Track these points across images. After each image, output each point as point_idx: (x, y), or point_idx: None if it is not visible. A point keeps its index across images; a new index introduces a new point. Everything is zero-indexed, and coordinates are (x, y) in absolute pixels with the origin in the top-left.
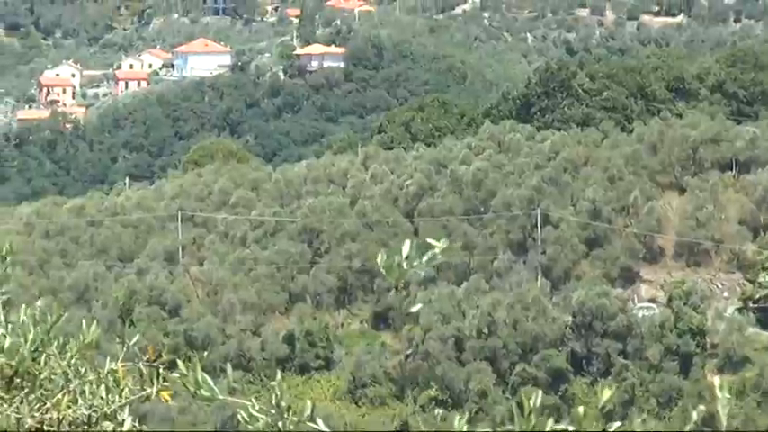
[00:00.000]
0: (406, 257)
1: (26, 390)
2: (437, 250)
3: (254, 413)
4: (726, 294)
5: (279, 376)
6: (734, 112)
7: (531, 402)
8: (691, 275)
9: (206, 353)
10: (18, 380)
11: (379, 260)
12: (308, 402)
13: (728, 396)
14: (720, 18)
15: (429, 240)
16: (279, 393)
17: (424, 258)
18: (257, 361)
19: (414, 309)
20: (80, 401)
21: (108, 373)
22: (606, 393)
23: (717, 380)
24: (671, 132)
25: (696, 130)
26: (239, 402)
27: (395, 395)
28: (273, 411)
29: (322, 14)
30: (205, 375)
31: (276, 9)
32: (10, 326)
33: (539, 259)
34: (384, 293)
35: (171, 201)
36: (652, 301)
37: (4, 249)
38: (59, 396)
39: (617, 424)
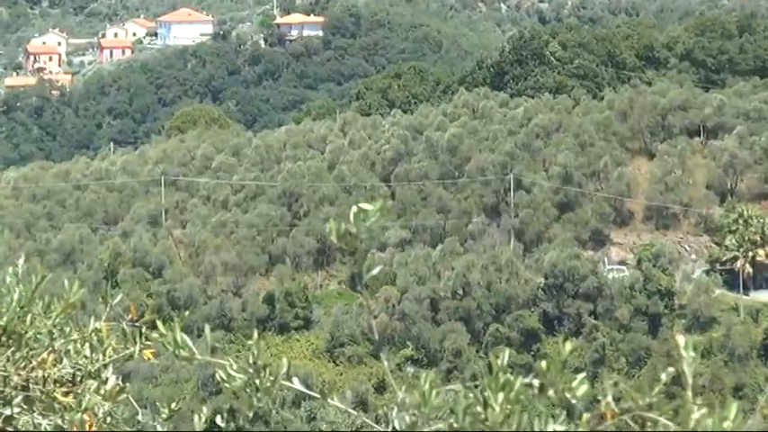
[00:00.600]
0: (355, 222)
1: (12, 348)
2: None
3: (232, 372)
4: (693, 257)
5: (255, 335)
6: (702, 80)
7: (500, 361)
8: (659, 238)
9: (188, 313)
10: (4, 339)
11: (328, 229)
12: (284, 361)
13: (693, 355)
14: None
15: (362, 205)
16: (256, 353)
17: (366, 222)
18: (238, 321)
19: (374, 271)
20: (65, 360)
21: (92, 332)
22: (567, 347)
23: (682, 339)
24: (640, 99)
25: (665, 97)
26: (218, 362)
27: (371, 354)
28: (251, 370)
29: None
30: (184, 336)
31: None
32: None
33: (511, 222)
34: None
35: (154, 165)
36: (622, 263)
37: None
38: (45, 355)
39: (581, 375)
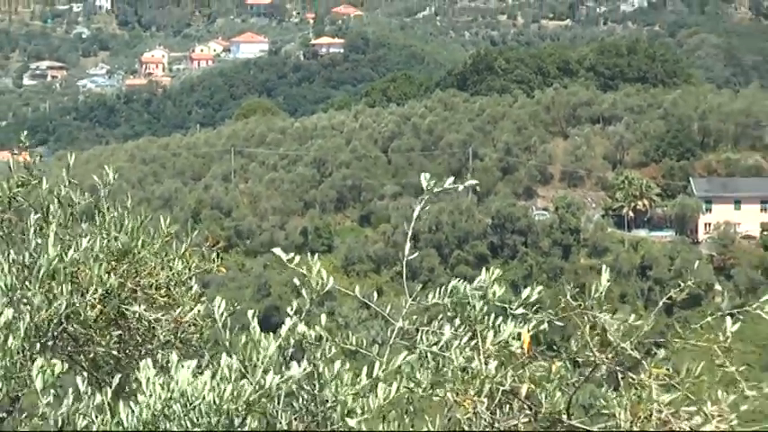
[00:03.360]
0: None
1: (127, 263)
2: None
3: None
4: (593, 206)
5: (297, 258)
6: (601, 85)
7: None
8: (570, 193)
9: (248, 241)
10: (121, 256)
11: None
12: (318, 269)
13: (606, 277)
14: (593, 22)
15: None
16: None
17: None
18: (283, 246)
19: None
20: (164, 272)
21: (182, 254)
22: (496, 272)
23: (604, 269)
24: (559, 98)
25: (576, 96)
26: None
27: (373, 270)
28: (296, 280)
29: (329, 18)
30: (245, 258)
31: (298, 13)
32: (118, 219)
33: (472, 177)
34: (367, 203)
35: (227, 140)
36: (545, 209)
37: (114, 173)
38: (151, 267)
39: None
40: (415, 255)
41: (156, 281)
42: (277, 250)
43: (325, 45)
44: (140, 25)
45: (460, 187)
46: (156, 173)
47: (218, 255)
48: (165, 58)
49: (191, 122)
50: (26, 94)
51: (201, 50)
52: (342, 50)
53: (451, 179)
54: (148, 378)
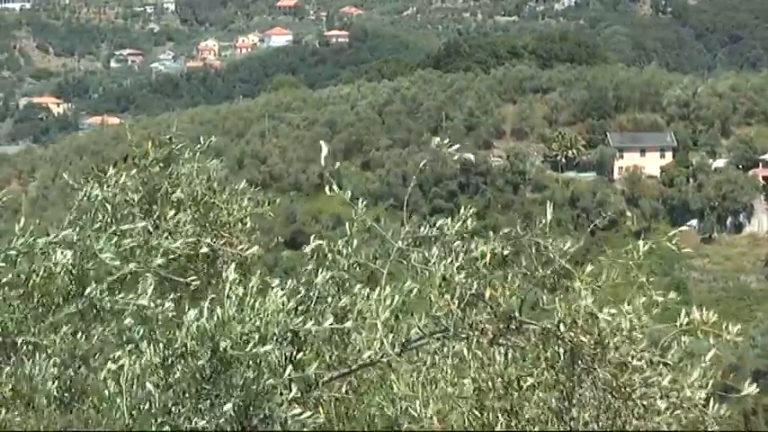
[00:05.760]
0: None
1: (201, 212)
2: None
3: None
4: (535, 154)
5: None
6: (541, 65)
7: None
8: (518, 145)
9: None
10: (194, 206)
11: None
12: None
13: (551, 212)
14: (535, 17)
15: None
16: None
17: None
18: (305, 186)
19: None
20: (227, 212)
21: (230, 194)
22: (470, 210)
23: (548, 204)
24: (509, 74)
25: (521, 73)
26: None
27: (373, 203)
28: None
29: (337, 15)
30: (275, 194)
31: (314, 12)
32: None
33: (443, 135)
34: (367, 153)
35: (262, 107)
36: (499, 157)
37: (175, 132)
38: (218, 209)
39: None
40: (410, 190)
41: (222, 220)
42: (334, 188)
43: (335, 36)
44: (197, 22)
45: (461, 154)
46: (209, 132)
47: (268, 202)
48: (216, 46)
49: (235, 94)
50: (112, 73)
51: (243, 41)
52: (347, 40)
53: (457, 146)
54: (231, 279)
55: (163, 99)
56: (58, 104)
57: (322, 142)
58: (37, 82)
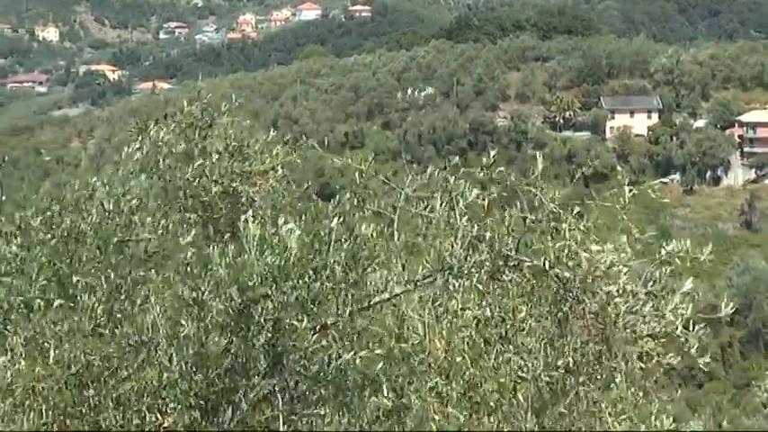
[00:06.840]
0: None
1: (238, 160)
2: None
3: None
4: (536, 115)
5: (348, 155)
6: (542, 36)
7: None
8: (522, 107)
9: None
10: (231, 155)
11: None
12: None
13: (540, 168)
14: None
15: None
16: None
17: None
18: (332, 144)
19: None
20: (260, 161)
21: (265, 141)
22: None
23: (538, 155)
24: (513, 44)
25: (524, 43)
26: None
27: (392, 158)
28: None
29: None
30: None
31: None
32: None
33: (454, 99)
34: (387, 114)
35: (294, 74)
36: (504, 118)
37: (226, 103)
38: (252, 159)
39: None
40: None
41: (256, 168)
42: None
43: (359, 11)
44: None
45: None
46: (248, 96)
47: (294, 150)
48: (253, 19)
49: (270, 62)
50: (161, 44)
51: (277, 15)
52: (370, 14)
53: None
54: (248, 220)
55: (206, 67)
56: (114, 71)
57: None
58: (95, 51)
